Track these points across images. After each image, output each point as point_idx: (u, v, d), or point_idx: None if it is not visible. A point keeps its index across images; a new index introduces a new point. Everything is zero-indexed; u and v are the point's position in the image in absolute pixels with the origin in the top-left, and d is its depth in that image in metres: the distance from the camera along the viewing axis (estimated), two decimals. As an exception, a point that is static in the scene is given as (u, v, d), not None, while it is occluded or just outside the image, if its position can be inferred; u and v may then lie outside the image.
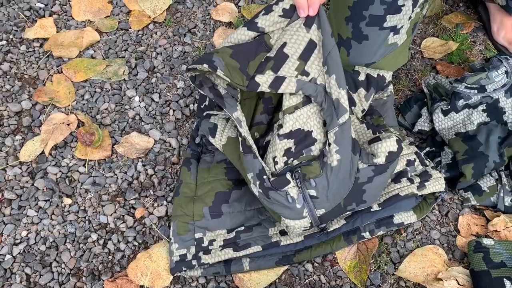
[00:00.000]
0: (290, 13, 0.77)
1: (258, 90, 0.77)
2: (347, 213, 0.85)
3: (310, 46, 0.77)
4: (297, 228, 0.81)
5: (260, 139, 0.92)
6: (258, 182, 0.79)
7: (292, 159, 0.80)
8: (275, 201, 0.78)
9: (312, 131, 0.81)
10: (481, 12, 1.23)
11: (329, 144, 0.78)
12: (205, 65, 0.76)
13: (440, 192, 0.92)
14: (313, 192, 0.78)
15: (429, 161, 0.97)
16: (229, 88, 0.83)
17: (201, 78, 0.84)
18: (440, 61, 1.17)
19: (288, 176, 0.79)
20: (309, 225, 0.81)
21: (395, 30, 0.91)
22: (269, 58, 0.78)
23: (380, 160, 0.81)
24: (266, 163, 0.82)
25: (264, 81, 0.77)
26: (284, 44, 0.77)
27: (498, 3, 1.12)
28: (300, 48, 0.77)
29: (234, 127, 0.91)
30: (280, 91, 0.77)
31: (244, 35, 0.79)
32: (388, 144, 0.81)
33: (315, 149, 0.81)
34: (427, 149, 1.02)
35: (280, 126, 0.80)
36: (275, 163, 0.81)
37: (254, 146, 0.81)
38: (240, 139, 0.83)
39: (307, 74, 0.77)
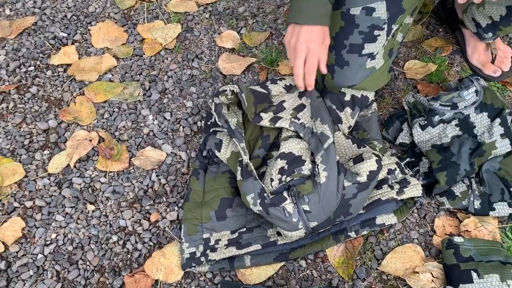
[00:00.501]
0: (290, 88, 1.13)
1: (260, 123, 1.02)
2: (335, 223, 0.98)
3: (301, 107, 1.05)
4: (294, 237, 0.94)
5: (255, 170, 1.05)
6: (258, 201, 0.92)
7: (285, 176, 0.94)
8: (274, 216, 0.91)
9: (301, 155, 0.98)
10: (458, 37, 1.36)
11: (317, 165, 0.93)
12: (236, 86, 1.00)
13: (418, 197, 1.03)
14: (306, 207, 0.91)
15: (408, 170, 1.09)
16: (237, 126, 1.03)
17: (219, 112, 1.03)
18: (421, 81, 1.30)
19: (285, 194, 0.93)
20: (304, 234, 0.94)
21: (372, 56, 1.05)
22: (271, 106, 1.06)
23: (363, 178, 0.93)
24: (264, 184, 0.96)
25: (266, 117, 1.03)
26: (283, 101, 1.07)
27: (471, 30, 1.25)
28: (294, 105, 1.06)
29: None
30: (277, 125, 1.00)
31: (257, 88, 1.05)
32: (369, 164, 0.94)
33: (305, 169, 0.96)
34: (408, 159, 1.14)
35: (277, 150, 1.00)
36: (271, 180, 0.95)
37: (254, 171, 0.96)
38: (238, 166, 0.99)
39: (298, 119, 1.01)
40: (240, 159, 1.00)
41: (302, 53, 0.98)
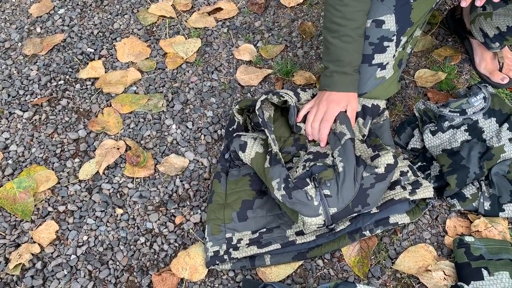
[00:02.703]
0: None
1: (301, 132, 1.16)
2: (353, 214, 1.02)
3: None
4: (313, 225, 0.98)
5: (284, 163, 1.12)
6: (283, 185, 0.99)
7: (309, 163, 1.03)
8: (297, 200, 0.97)
9: (325, 151, 1.08)
10: (467, 46, 1.42)
11: (335, 158, 1.02)
12: (292, 98, 1.15)
13: (429, 198, 1.08)
14: (327, 192, 0.97)
15: (420, 173, 1.14)
16: (269, 120, 1.13)
17: (261, 104, 1.11)
18: (431, 89, 1.35)
19: (308, 180, 0.99)
20: (323, 222, 0.98)
21: (382, 66, 1.10)
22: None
23: (380, 170, 1.00)
24: (290, 173, 1.04)
25: (303, 126, 1.16)
26: None
27: (478, 40, 1.31)
28: None
29: (261, 145, 1.12)
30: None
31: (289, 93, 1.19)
32: (386, 158, 1.01)
33: (328, 160, 1.04)
34: (419, 163, 1.19)
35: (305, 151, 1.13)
36: (296, 168, 1.04)
37: (282, 160, 1.04)
38: (267, 155, 1.06)
39: None
40: (270, 149, 1.07)
41: (320, 112, 1.11)
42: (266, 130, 1.08)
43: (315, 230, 1.04)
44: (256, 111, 1.09)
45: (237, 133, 1.16)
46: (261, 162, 1.09)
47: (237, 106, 1.19)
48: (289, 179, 1.00)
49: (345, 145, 1.04)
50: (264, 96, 1.12)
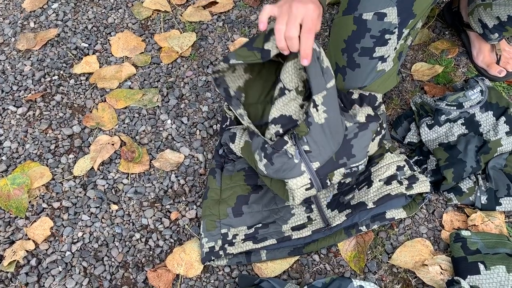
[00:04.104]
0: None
1: (271, 56, 0.89)
2: (340, 168, 0.99)
3: None
4: (300, 187, 0.96)
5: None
6: (263, 154, 0.97)
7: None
8: (278, 163, 0.95)
9: (291, 115, 0.99)
10: (464, 39, 1.41)
11: (316, 106, 0.92)
12: (222, 63, 0.97)
13: (426, 193, 1.08)
14: (306, 147, 0.95)
15: (417, 167, 1.13)
16: (237, 91, 1.05)
17: (220, 81, 1.03)
18: (428, 82, 1.34)
19: (286, 137, 0.97)
20: (309, 181, 0.97)
21: (382, 59, 1.09)
22: (272, 31, 0.88)
23: (361, 119, 0.99)
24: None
25: (271, 46, 0.88)
26: None
27: (477, 31, 1.30)
28: None
29: (250, 134, 1.09)
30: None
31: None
32: (366, 110, 1.01)
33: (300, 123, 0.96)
34: (416, 157, 1.18)
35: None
36: (271, 138, 1.00)
37: (256, 129, 1.00)
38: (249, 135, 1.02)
39: None
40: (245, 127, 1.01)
41: (298, 16, 0.86)
42: (231, 106, 1.03)
43: (305, 193, 1.00)
44: (217, 89, 1.02)
45: (229, 128, 1.15)
46: (250, 150, 1.07)
47: (226, 103, 1.18)
48: (266, 145, 0.97)
49: (331, 90, 0.92)
50: (214, 74, 1.00)
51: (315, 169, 0.97)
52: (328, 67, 0.92)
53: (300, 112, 1.00)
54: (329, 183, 1.01)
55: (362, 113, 1.00)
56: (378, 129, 1.06)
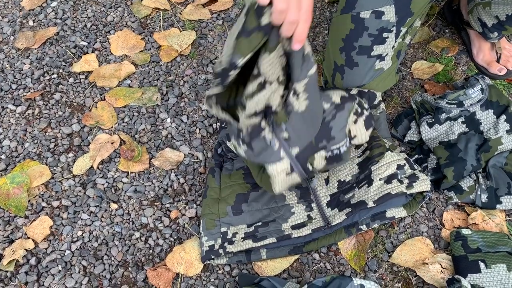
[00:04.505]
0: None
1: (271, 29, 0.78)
2: (321, 151, 0.97)
3: None
4: (280, 171, 0.94)
5: None
6: (240, 141, 0.93)
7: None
8: (258, 148, 0.92)
9: (271, 106, 0.90)
10: (464, 37, 1.40)
11: (297, 94, 0.87)
12: (231, 72, 0.82)
13: (426, 191, 1.08)
14: (285, 135, 0.93)
15: (417, 166, 1.13)
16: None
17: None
18: (428, 81, 1.34)
19: (263, 123, 0.91)
20: (289, 167, 0.95)
21: (381, 57, 1.09)
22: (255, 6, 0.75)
23: (337, 100, 0.97)
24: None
25: (267, 19, 0.76)
26: None
27: (476, 30, 1.29)
28: None
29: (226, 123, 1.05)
30: None
31: None
32: (339, 92, 0.98)
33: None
34: (416, 156, 1.18)
35: (243, 107, 0.89)
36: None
37: (229, 118, 0.91)
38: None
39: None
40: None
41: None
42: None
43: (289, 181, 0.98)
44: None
45: (226, 126, 1.15)
46: None
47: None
48: (241, 133, 0.92)
49: (312, 77, 0.87)
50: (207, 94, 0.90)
51: (294, 155, 0.95)
52: (309, 53, 0.84)
53: (281, 102, 0.93)
54: (310, 167, 0.98)
55: (336, 95, 0.97)
56: (359, 110, 1.03)
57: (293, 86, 0.86)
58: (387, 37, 1.06)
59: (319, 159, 0.99)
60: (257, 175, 1.03)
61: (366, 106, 1.06)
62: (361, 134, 1.06)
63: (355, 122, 1.03)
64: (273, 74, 0.86)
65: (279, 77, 0.88)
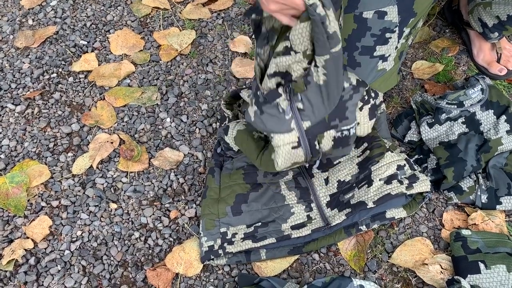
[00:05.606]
0: None
1: None
2: (331, 130, 0.95)
3: None
4: (286, 143, 0.92)
5: None
6: (254, 100, 0.92)
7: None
8: (268, 114, 0.91)
9: (291, 74, 0.91)
10: (464, 37, 1.40)
11: (317, 66, 0.87)
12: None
13: (426, 192, 1.07)
14: (300, 105, 0.91)
15: (417, 166, 1.13)
16: (270, 31, 0.93)
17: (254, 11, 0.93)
18: (428, 81, 1.34)
19: (280, 90, 0.91)
20: (297, 140, 0.93)
21: (383, 58, 1.09)
22: None
23: (353, 82, 0.96)
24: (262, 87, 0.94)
25: None
26: None
27: (477, 30, 1.29)
28: None
29: (243, 124, 1.07)
30: None
31: None
32: (355, 76, 0.97)
33: (301, 63, 0.90)
34: (416, 156, 1.18)
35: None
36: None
37: (258, 73, 0.94)
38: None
39: None
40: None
41: None
42: (256, 41, 0.94)
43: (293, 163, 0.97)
44: (247, 17, 0.93)
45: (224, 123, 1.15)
46: (242, 138, 1.05)
47: (222, 102, 1.17)
48: (258, 92, 0.92)
49: (335, 55, 0.86)
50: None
51: (305, 128, 0.93)
52: (336, 32, 0.84)
53: (302, 73, 0.92)
54: (317, 146, 0.97)
55: (353, 76, 0.96)
56: (366, 97, 1.01)
57: (314, 57, 0.87)
58: (390, 38, 1.06)
59: (327, 138, 0.97)
60: (256, 158, 1.01)
61: (372, 95, 1.05)
62: (364, 122, 1.05)
63: (361, 109, 1.02)
64: (301, 44, 0.87)
65: (307, 50, 0.88)
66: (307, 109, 0.92)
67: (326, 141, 0.97)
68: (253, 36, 0.96)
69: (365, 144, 1.11)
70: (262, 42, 0.94)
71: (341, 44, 0.86)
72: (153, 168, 1.20)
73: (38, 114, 1.31)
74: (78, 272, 1.05)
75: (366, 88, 1.01)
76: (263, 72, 0.97)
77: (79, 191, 1.17)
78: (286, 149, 0.94)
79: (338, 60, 0.88)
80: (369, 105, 1.04)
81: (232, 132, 1.10)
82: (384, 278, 1.02)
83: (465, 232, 1.03)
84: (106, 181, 1.18)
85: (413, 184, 1.04)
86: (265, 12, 0.90)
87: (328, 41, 0.84)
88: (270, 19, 0.92)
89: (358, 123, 1.04)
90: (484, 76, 1.21)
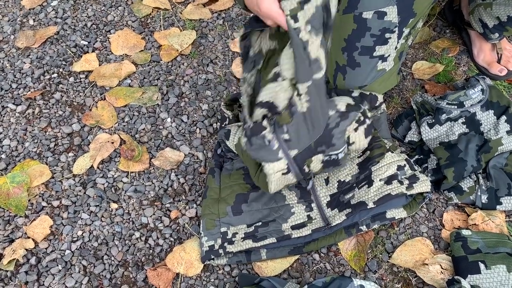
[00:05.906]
0: None
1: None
2: (318, 155, 0.97)
3: None
4: (276, 171, 0.94)
5: None
6: (244, 132, 0.95)
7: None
8: (257, 145, 0.93)
9: (278, 106, 0.92)
10: (464, 38, 1.40)
11: (299, 94, 0.87)
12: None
13: (427, 192, 1.08)
14: (286, 136, 0.93)
15: (418, 167, 1.13)
16: (257, 55, 0.95)
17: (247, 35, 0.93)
18: (429, 81, 1.34)
19: (265, 122, 0.93)
20: (286, 167, 0.95)
21: (383, 58, 1.09)
22: None
23: (342, 107, 0.97)
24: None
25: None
26: None
27: (477, 31, 1.29)
28: None
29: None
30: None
31: None
32: (346, 99, 0.98)
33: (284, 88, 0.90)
34: (416, 156, 1.18)
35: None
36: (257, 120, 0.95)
37: (246, 104, 0.96)
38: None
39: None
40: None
41: None
42: (243, 66, 0.96)
43: (285, 183, 0.99)
44: (238, 44, 0.94)
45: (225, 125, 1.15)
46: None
47: (222, 103, 1.18)
48: (245, 126, 0.94)
49: (317, 82, 0.86)
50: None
51: (292, 156, 0.95)
52: (318, 59, 0.84)
53: (287, 104, 0.93)
54: (307, 169, 0.99)
55: (342, 102, 0.97)
56: (361, 118, 1.02)
57: (296, 86, 0.87)
58: (390, 38, 1.06)
59: (316, 162, 0.99)
60: (254, 174, 1.03)
61: (369, 115, 1.06)
62: (360, 141, 1.06)
63: (356, 129, 1.03)
64: (288, 70, 0.87)
65: (293, 79, 0.88)
66: (293, 139, 0.93)
67: (315, 164, 1.00)
68: (241, 61, 0.97)
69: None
70: (249, 66, 0.96)
71: (323, 71, 0.86)
72: (153, 168, 1.21)
73: (39, 114, 1.31)
74: (79, 272, 1.05)
75: (361, 110, 1.02)
76: (251, 100, 0.98)
77: (79, 191, 1.17)
78: (277, 176, 0.96)
79: (320, 86, 0.89)
80: (364, 126, 1.04)
81: (234, 139, 1.11)
82: (384, 278, 1.02)
83: (465, 232, 1.03)
84: (106, 181, 1.18)
85: (414, 185, 1.04)
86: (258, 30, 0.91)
87: (310, 67, 0.84)
88: (259, 42, 0.94)
89: (353, 142, 1.05)
90: (484, 77, 1.21)
